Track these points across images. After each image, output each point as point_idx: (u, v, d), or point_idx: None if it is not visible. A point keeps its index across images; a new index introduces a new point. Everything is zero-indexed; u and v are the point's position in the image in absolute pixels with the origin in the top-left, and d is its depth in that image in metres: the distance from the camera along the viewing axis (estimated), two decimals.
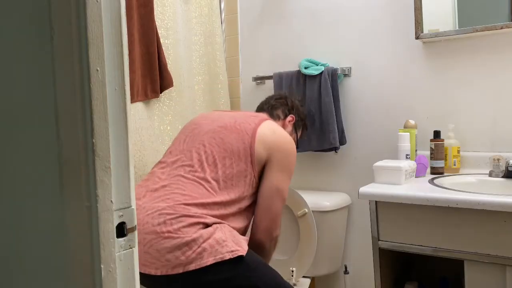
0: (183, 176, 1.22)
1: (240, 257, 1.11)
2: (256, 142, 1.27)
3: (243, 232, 1.30)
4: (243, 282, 1.12)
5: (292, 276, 1.73)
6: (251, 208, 1.30)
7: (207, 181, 1.21)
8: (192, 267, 1.07)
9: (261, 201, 1.27)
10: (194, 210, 1.14)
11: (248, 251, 1.15)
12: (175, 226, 1.10)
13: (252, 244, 1.28)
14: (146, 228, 1.12)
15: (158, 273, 1.09)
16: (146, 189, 1.23)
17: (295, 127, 1.55)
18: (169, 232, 1.09)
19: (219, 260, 1.08)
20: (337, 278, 1.95)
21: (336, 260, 1.85)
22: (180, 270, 1.08)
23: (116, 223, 0.53)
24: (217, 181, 1.22)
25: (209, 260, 1.07)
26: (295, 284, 1.74)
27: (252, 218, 1.31)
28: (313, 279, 1.85)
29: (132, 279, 0.55)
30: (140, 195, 1.22)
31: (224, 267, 1.09)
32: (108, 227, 0.52)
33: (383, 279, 1.42)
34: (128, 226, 0.55)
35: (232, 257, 1.09)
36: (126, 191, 0.55)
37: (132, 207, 0.56)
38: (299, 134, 1.59)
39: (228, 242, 1.12)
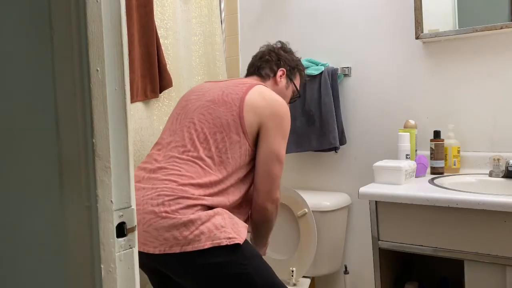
0: (177, 157, 1.23)
1: (237, 244, 1.13)
2: (245, 111, 1.25)
3: (244, 198, 1.31)
4: (237, 269, 1.14)
5: (292, 276, 1.73)
6: (250, 175, 1.31)
7: (202, 159, 1.22)
8: (189, 248, 1.09)
9: (260, 167, 1.27)
10: (191, 191, 1.15)
11: (246, 241, 1.17)
12: (173, 207, 1.12)
13: (254, 208, 1.31)
14: (146, 208, 1.14)
15: (157, 252, 1.11)
16: (144, 171, 1.25)
17: (289, 77, 1.50)
18: (166, 212, 1.11)
19: (216, 244, 1.10)
20: (337, 278, 1.95)
21: (336, 260, 1.85)
22: (177, 250, 1.10)
23: (116, 223, 0.53)
24: (211, 157, 1.22)
25: (206, 244, 1.09)
26: (295, 284, 1.74)
27: (252, 184, 1.32)
28: (313, 279, 1.85)
29: (132, 279, 0.55)
30: (139, 177, 1.24)
31: (220, 252, 1.11)
32: (108, 227, 0.52)
33: (383, 279, 1.42)
34: (128, 226, 0.55)
35: (229, 243, 1.11)
36: (126, 191, 0.55)
37: (132, 207, 0.56)
38: (296, 82, 1.53)
39: (227, 228, 1.13)
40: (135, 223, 0.56)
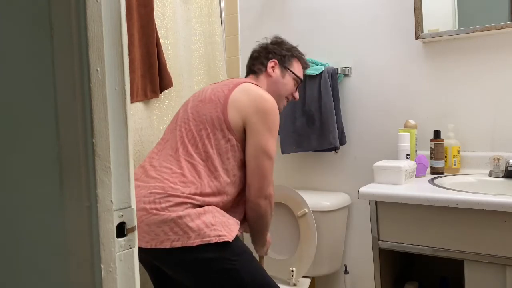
0: (170, 155, 1.27)
1: (227, 242, 1.15)
2: (229, 108, 1.27)
3: (240, 197, 1.32)
4: (225, 265, 1.16)
5: (292, 276, 1.73)
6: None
7: (191, 156, 1.25)
8: (178, 244, 1.13)
9: (248, 163, 1.29)
10: (181, 190, 1.18)
11: (236, 238, 1.19)
12: (163, 205, 1.16)
13: (248, 205, 1.32)
14: (138, 205, 1.17)
15: (148, 246, 1.15)
16: (142, 170, 1.29)
17: (283, 65, 1.47)
18: (157, 209, 1.15)
19: (206, 242, 1.13)
20: (337, 278, 1.95)
21: (336, 260, 1.85)
22: (167, 245, 1.13)
23: (116, 223, 0.53)
24: (199, 154, 1.25)
25: (196, 241, 1.13)
26: (295, 284, 1.74)
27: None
28: (313, 279, 1.85)
29: (132, 279, 0.55)
30: (137, 175, 1.28)
31: (209, 248, 1.14)
32: (108, 227, 0.52)
33: (383, 279, 1.42)
34: (128, 226, 0.55)
35: (218, 241, 1.14)
36: (126, 191, 0.55)
37: (132, 207, 0.56)
38: (295, 68, 1.50)
39: (217, 226, 1.16)
40: (135, 223, 0.56)
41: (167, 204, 1.16)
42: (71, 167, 0.52)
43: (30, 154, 0.57)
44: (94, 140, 0.51)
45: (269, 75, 1.46)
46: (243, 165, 1.30)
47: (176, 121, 1.36)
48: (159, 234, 1.14)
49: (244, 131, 1.29)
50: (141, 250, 1.15)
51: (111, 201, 0.53)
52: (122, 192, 0.54)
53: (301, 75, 1.53)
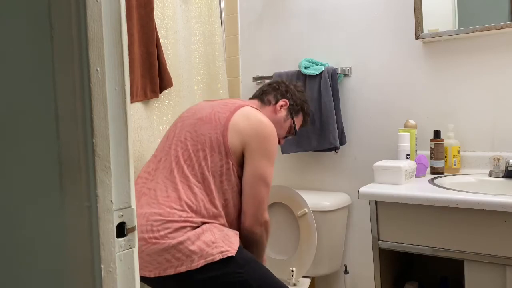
0: (165, 177, 1.24)
1: (231, 257, 1.14)
2: (229, 131, 1.25)
3: (234, 222, 1.31)
4: (233, 278, 1.15)
5: (292, 276, 1.73)
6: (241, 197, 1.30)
7: (187, 178, 1.22)
8: (183, 269, 1.11)
9: (245, 189, 1.27)
10: (179, 214, 1.16)
11: (238, 249, 1.17)
12: (162, 233, 1.13)
13: (243, 231, 1.30)
14: None
15: (152, 275, 1.13)
16: (136, 192, 1.25)
17: (291, 112, 1.47)
18: (156, 238, 1.13)
19: (210, 261, 1.12)
20: (337, 278, 1.95)
21: (336, 260, 1.85)
22: (172, 272, 1.12)
23: (116, 223, 0.53)
24: (195, 175, 1.23)
25: (200, 263, 1.11)
26: (295, 284, 1.73)
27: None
28: (313, 279, 1.85)
29: (132, 279, 0.55)
30: None
31: (214, 266, 1.13)
32: (108, 227, 0.52)
33: (383, 279, 1.42)
34: (128, 226, 0.55)
35: (222, 257, 1.13)
36: (126, 191, 0.55)
37: (132, 207, 0.56)
38: (297, 120, 1.50)
39: (218, 243, 1.15)
40: (135, 223, 0.56)
41: (166, 231, 1.13)
42: (71, 167, 0.52)
43: (30, 154, 0.57)
44: (94, 140, 0.51)
45: (274, 111, 1.45)
46: (238, 191, 1.28)
47: (171, 138, 1.32)
48: (162, 263, 1.12)
49: (242, 156, 1.27)
50: (144, 279, 1.14)
51: (111, 201, 0.53)
52: (122, 192, 0.54)
53: (297, 129, 1.52)
